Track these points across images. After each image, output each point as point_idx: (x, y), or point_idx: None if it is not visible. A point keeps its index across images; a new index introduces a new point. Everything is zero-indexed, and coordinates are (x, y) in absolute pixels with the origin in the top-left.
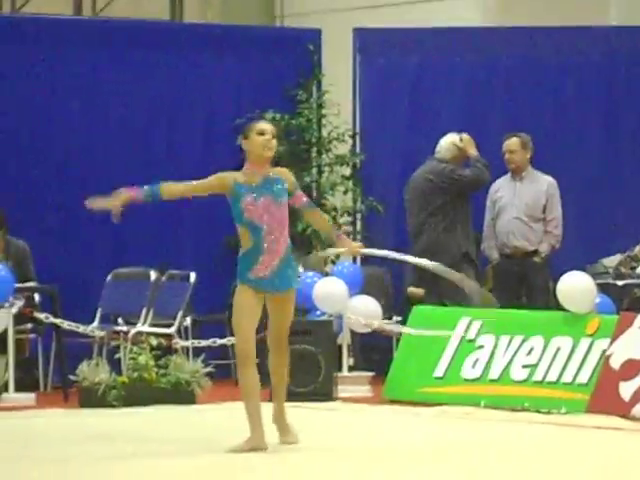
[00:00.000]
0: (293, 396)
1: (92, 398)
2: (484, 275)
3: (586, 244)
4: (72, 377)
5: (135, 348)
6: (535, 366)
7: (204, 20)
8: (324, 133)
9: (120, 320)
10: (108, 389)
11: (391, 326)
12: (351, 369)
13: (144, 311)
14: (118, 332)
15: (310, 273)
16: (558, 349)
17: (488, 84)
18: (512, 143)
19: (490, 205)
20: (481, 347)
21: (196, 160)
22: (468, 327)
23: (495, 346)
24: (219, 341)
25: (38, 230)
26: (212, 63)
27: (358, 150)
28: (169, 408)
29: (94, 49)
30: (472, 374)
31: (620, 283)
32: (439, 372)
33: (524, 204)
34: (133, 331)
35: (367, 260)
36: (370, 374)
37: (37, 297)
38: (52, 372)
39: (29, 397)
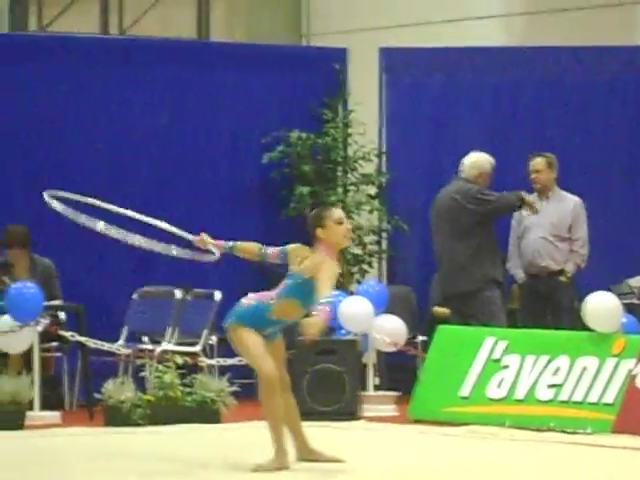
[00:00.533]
0: (318, 415)
1: (117, 416)
2: (510, 295)
3: (611, 264)
4: (97, 395)
5: (160, 366)
6: (561, 386)
7: (230, 39)
8: (350, 152)
9: (145, 338)
10: (133, 407)
11: None
12: (376, 388)
13: (169, 329)
14: (143, 350)
15: (336, 292)
16: (584, 369)
17: (514, 104)
18: (538, 163)
19: (515, 224)
20: (507, 367)
21: (222, 178)
22: (494, 347)
23: (521, 366)
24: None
25: (64, 248)
26: (238, 82)
27: (384, 169)
28: (194, 427)
29: (120, 67)
30: (498, 394)
31: None
32: (464, 392)
33: (550, 223)
34: (159, 349)
35: (393, 279)
36: (396, 393)
37: (63, 315)
38: (77, 390)
39: (54, 415)
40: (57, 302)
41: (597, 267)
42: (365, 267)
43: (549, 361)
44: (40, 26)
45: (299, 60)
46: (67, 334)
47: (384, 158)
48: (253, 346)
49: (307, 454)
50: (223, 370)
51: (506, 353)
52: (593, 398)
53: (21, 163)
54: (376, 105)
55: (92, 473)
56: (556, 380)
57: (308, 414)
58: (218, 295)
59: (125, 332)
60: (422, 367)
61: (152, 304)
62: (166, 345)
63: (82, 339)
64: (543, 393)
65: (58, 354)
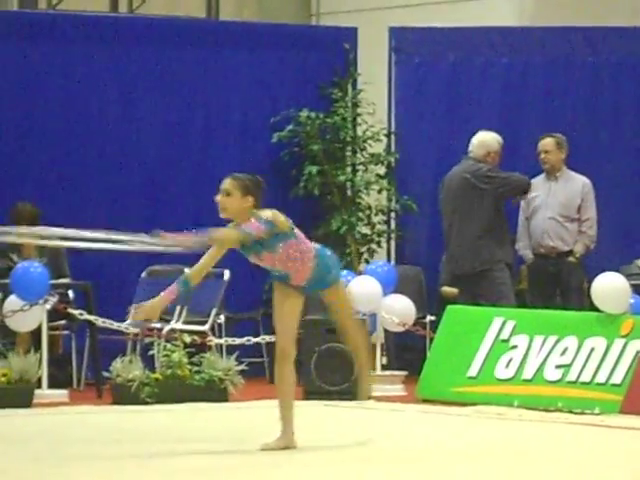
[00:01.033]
0: (326, 395)
1: (125, 395)
2: (518, 275)
3: (620, 245)
4: (105, 374)
5: (169, 345)
6: (569, 366)
7: (240, 18)
8: (359, 132)
9: None
10: (141, 386)
11: None
12: (384, 368)
13: (178, 308)
14: (152, 329)
15: (344, 272)
16: (592, 349)
17: (523, 84)
18: (547, 143)
19: (524, 205)
20: (515, 347)
21: (231, 158)
22: (502, 327)
23: (529, 346)
24: (253, 339)
25: (73, 227)
26: (247, 61)
27: (393, 149)
28: (202, 405)
29: (130, 46)
30: (506, 374)
31: None
32: (472, 372)
33: (559, 204)
34: (167, 328)
35: (402, 259)
36: (403, 373)
37: (71, 293)
38: (85, 369)
39: (62, 394)
40: (65, 280)
41: (606, 248)
42: (374, 247)
43: (557, 341)
44: (49, 4)
45: (308, 39)
46: (76, 312)
47: (393, 138)
48: (277, 307)
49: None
50: (231, 349)
51: (514, 333)
52: (601, 379)
53: (31, 142)
54: (385, 85)
55: (99, 452)
56: (564, 360)
57: (316, 393)
58: (227, 274)
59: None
60: (430, 347)
61: (161, 283)
62: (174, 324)
63: (91, 318)
64: (551, 373)
65: (66, 332)
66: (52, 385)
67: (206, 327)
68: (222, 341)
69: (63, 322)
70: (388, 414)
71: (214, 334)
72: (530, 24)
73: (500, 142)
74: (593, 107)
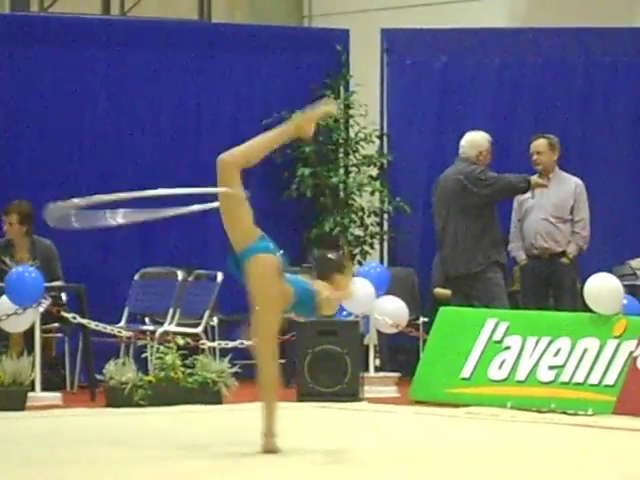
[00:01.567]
0: (319, 396)
1: (119, 397)
2: (511, 276)
3: (613, 246)
4: (99, 376)
5: (162, 348)
6: (562, 367)
7: (232, 20)
8: (351, 133)
9: (147, 320)
10: (135, 388)
11: None
12: (377, 370)
13: (171, 311)
14: (145, 332)
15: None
16: (585, 350)
17: (516, 85)
18: (539, 144)
19: (517, 206)
20: (508, 348)
21: None
22: (495, 328)
23: (522, 347)
24: (246, 342)
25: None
26: (239, 63)
27: (385, 151)
28: (195, 408)
29: (122, 48)
30: (499, 375)
31: None
32: (466, 373)
33: (551, 205)
34: (160, 331)
35: (394, 261)
36: (397, 375)
37: (64, 296)
38: (79, 371)
39: (55, 396)
40: (58, 283)
41: (599, 249)
42: (367, 249)
43: (550, 342)
44: (42, 7)
45: (301, 41)
46: (68, 315)
47: (385, 139)
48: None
49: None
50: (224, 351)
51: (507, 334)
52: (594, 379)
53: (24, 143)
54: (377, 86)
55: (92, 454)
56: (557, 361)
57: (309, 395)
58: (220, 276)
59: (127, 313)
60: (423, 348)
61: (154, 285)
62: (167, 326)
63: (84, 321)
64: (544, 374)
65: (59, 335)
66: (45, 388)
67: (199, 329)
68: (215, 344)
69: (56, 325)
70: (381, 416)
71: (207, 336)
72: (522, 25)
73: (490, 140)
74: (585, 108)
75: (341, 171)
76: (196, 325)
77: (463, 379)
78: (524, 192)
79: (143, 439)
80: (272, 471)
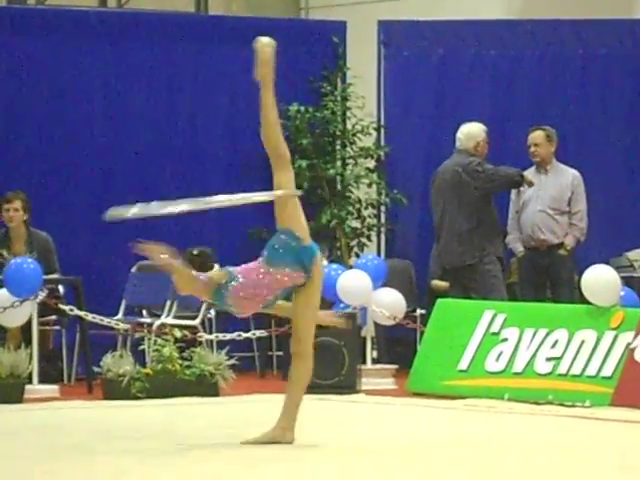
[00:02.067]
0: (317, 388)
1: (116, 390)
2: (508, 268)
3: (610, 237)
4: (96, 369)
5: (159, 340)
6: (559, 359)
7: (229, 12)
8: (348, 126)
9: (144, 312)
10: (132, 381)
11: None
12: (375, 362)
13: (168, 303)
14: (142, 324)
15: (334, 266)
16: (582, 342)
17: (513, 77)
18: (537, 136)
19: (514, 198)
20: (505, 340)
21: (220, 153)
22: (492, 320)
23: (519, 339)
24: (244, 334)
25: (63, 221)
26: (236, 55)
27: (382, 143)
28: (193, 400)
29: (119, 41)
30: (496, 367)
31: None
32: (463, 365)
33: (549, 197)
34: (157, 323)
35: (392, 253)
36: (394, 367)
37: (61, 289)
38: (76, 364)
39: (53, 389)
40: (55, 276)
41: (596, 240)
42: (364, 241)
43: (548, 334)
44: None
45: (297, 33)
46: (66, 308)
47: (382, 131)
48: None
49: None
50: (222, 343)
51: (505, 326)
52: (591, 371)
53: (21, 135)
54: (375, 78)
55: (90, 447)
56: (554, 353)
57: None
58: (217, 269)
59: (124, 305)
60: (421, 340)
61: (151, 278)
62: (165, 319)
63: (81, 313)
64: (542, 366)
65: (57, 328)
66: (43, 380)
67: (196, 322)
68: (212, 337)
69: (54, 317)
70: (379, 407)
71: (204, 328)
72: (519, 17)
73: (485, 130)
74: (582, 100)
75: (338, 163)
76: (193, 317)
77: (460, 371)
78: (518, 186)
79: (140, 431)
80: (269, 464)
